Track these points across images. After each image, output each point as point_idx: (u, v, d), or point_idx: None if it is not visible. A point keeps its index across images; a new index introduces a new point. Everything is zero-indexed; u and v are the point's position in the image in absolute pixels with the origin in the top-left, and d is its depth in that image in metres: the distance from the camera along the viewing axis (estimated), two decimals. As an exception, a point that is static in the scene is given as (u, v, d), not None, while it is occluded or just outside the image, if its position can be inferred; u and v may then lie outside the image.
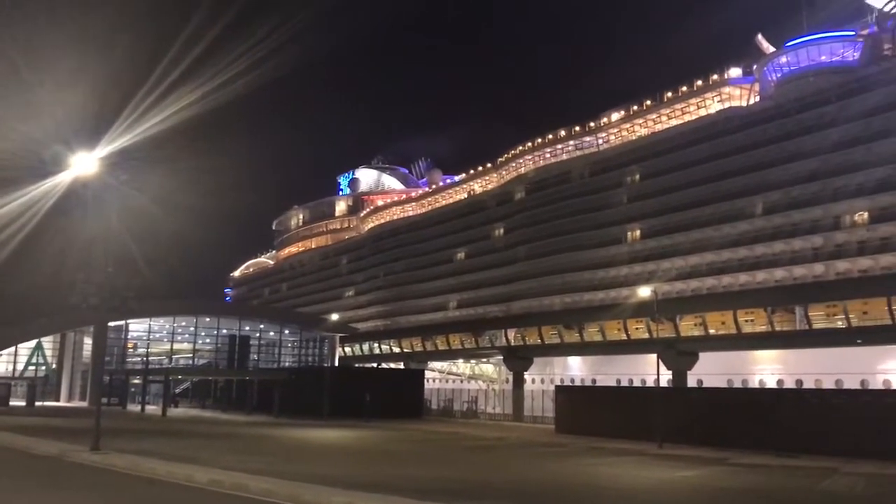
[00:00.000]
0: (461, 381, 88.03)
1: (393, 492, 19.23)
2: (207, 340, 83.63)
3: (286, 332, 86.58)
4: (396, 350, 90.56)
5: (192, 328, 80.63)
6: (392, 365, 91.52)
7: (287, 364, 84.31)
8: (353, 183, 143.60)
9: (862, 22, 66.95)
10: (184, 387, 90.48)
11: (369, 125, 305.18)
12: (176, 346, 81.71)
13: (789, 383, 57.49)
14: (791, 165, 64.00)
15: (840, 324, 51.28)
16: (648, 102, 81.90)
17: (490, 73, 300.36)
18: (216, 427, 49.51)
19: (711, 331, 58.85)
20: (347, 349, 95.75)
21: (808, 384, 54.96)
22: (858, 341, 52.67)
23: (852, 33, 65.29)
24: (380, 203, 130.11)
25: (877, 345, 51.62)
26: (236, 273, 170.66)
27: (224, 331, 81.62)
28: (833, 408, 38.03)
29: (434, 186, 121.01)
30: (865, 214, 59.76)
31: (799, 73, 66.25)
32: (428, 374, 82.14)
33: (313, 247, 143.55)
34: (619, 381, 68.36)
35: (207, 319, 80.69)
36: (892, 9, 64.78)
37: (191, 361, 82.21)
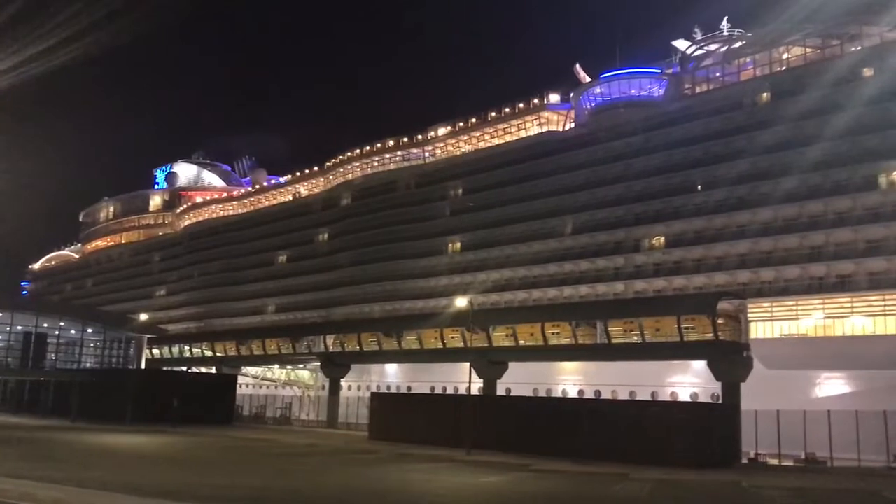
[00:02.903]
0: (276, 387, 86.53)
1: (193, 500, 18.88)
2: (-1, 337, 77.02)
3: (89, 331, 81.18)
4: (209, 354, 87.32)
5: (-20, 323, 73.84)
6: (203, 369, 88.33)
7: (88, 365, 79.16)
8: (171, 177, 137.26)
9: (668, 61, 72.91)
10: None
11: (191, 117, 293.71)
12: (-39, 342, 74.54)
13: (589, 393, 61.18)
14: (598, 190, 68.75)
15: (636, 339, 54.94)
16: (474, 120, 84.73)
17: (321, 76, 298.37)
18: (3, 431, 46.00)
19: (521, 342, 61.19)
20: (156, 351, 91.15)
21: (606, 395, 58.87)
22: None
23: (658, 71, 70.94)
24: (199, 200, 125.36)
25: (666, 360, 56.01)
26: (36, 265, 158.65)
27: (18, 327, 75.35)
28: (625, 418, 41.03)
29: (258, 186, 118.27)
30: (662, 239, 65.01)
31: (611, 104, 71.05)
32: (241, 379, 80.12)
33: (124, 242, 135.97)
34: (433, 388, 69.90)
35: (0, 314, 74.28)
36: (693, 52, 71.01)
37: (-23, 360, 75.34)
